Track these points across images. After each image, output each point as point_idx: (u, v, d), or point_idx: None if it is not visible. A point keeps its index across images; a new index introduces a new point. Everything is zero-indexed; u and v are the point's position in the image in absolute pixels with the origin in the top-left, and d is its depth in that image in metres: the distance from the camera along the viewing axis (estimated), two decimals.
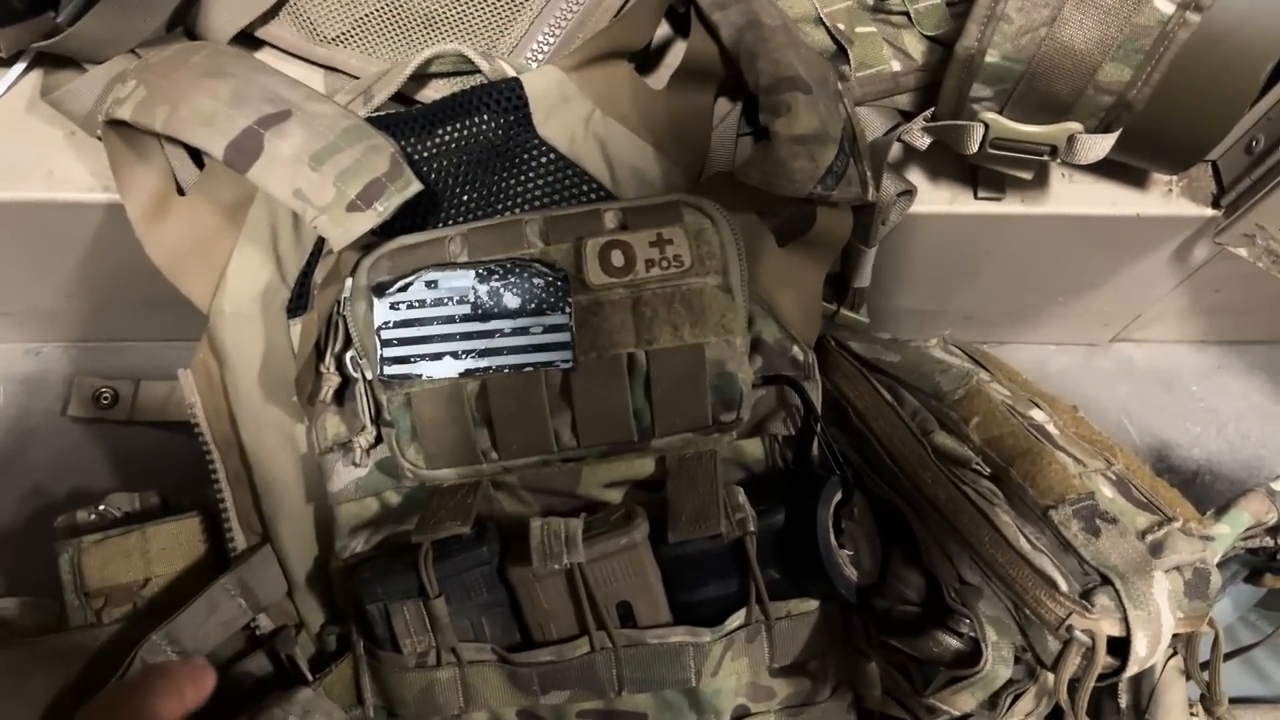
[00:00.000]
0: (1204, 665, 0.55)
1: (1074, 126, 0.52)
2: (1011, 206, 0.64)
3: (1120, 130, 0.52)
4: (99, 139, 0.58)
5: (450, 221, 0.59)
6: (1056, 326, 0.82)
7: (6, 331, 0.75)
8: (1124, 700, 0.57)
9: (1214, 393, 0.85)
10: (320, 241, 0.58)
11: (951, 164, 0.64)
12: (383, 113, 0.60)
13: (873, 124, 0.63)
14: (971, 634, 0.59)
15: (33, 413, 0.76)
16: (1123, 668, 0.48)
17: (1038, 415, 0.57)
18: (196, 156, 0.58)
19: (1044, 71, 0.49)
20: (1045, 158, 0.54)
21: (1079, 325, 0.82)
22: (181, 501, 0.69)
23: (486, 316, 0.54)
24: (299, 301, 0.58)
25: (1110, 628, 0.48)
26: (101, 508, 0.64)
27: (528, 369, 0.54)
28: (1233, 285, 0.75)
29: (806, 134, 0.54)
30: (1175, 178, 0.65)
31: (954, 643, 0.60)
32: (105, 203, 0.59)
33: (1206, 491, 0.82)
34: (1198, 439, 0.84)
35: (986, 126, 0.53)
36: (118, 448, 0.76)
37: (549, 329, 0.54)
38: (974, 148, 0.54)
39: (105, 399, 0.75)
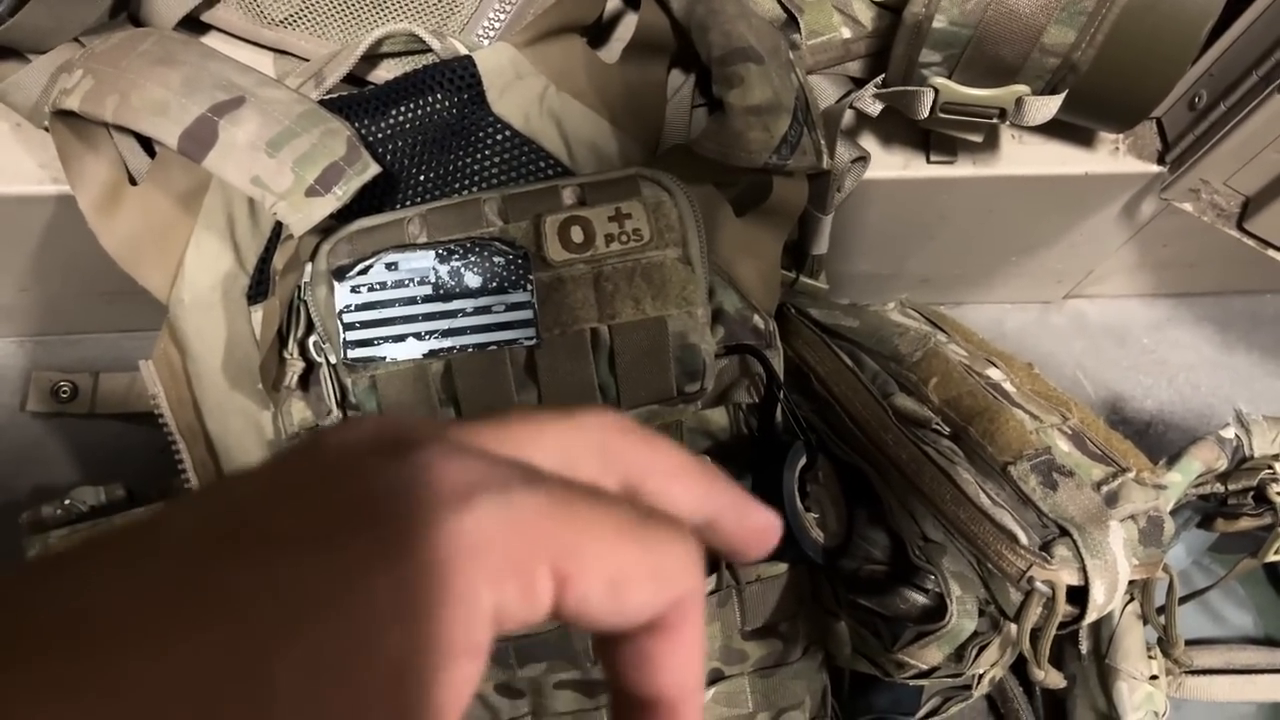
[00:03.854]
0: (1160, 609, 0.57)
1: (1021, 89, 0.53)
2: (964, 169, 0.64)
3: (1067, 91, 0.53)
4: (46, 130, 0.57)
5: (408, 203, 0.59)
6: (1011, 286, 0.83)
7: None
8: (1084, 646, 0.59)
9: (1164, 345, 0.87)
10: (278, 227, 0.58)
11: (903, 129, 0.64)
12: (335, 95, 0.59)
13: (824, 91, 0.63)
14: (937, 590, 0.61)
15: None
16: (1082, 615, 0.50)
17: (994, 374, 0.59)
18: (147, 145, 0.57)
19: (991, 36, 0.50)
20: (995, 120, 0.55)
21: (1033, 284, 0.84)
22: (147, 493, 0.69)
23: (448, 296, 0.54)
24: (259, 288, 0.58)
25: (1069, 577, 0.49)
26: (67, 502, 0.63)
27: (492, 348, 0.54)
28: (1180, 239, 0.77)
29: (760, 105, 0.54)
30: (1121, 136, 0.66)
31: (920, 599, 0.62)
32: (55, 195, 0.58)
33: (1159, 441, 0.84)
34: (1150, 390, 0.86)
35: (936, 91, 0.54)
36: (78, 441, 0.75)
37: (511, 307, 0.54)
38: (925, 113, 0.55)
39: (64, 393, 0.74)
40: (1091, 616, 0.49)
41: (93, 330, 0.77)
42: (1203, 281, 0.86)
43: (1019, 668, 0.65)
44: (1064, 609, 0.49)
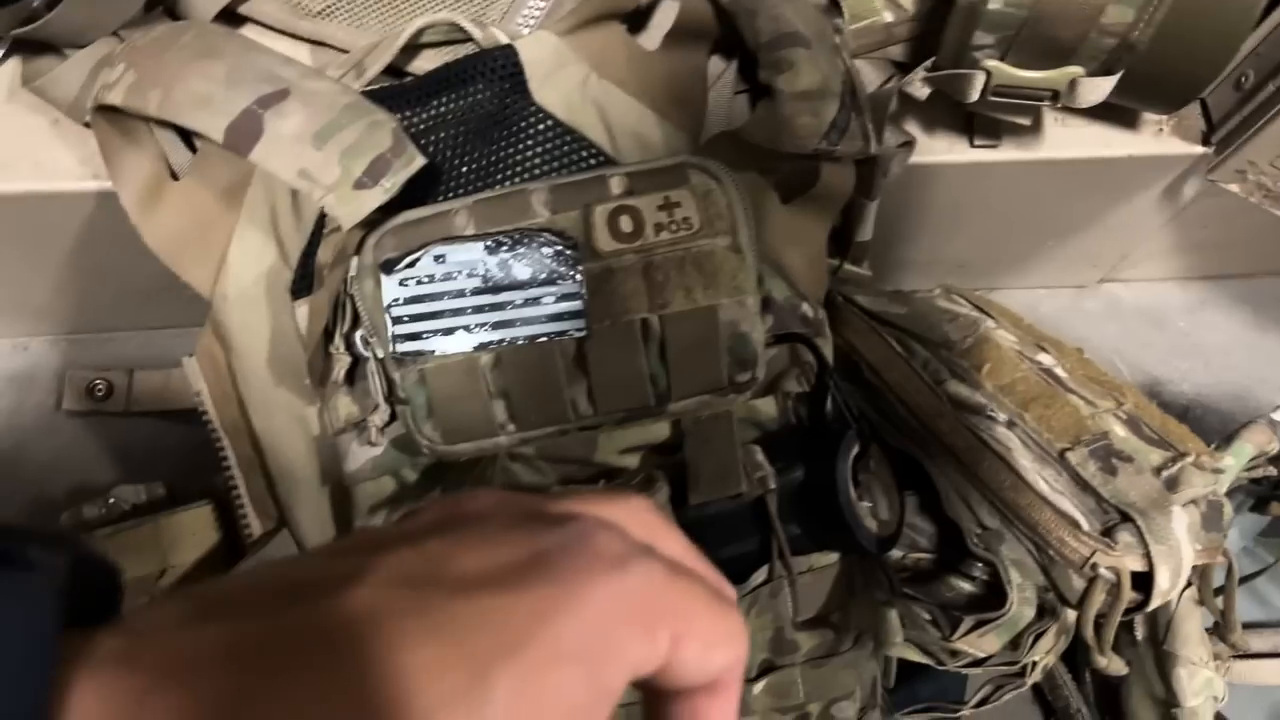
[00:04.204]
0: (1218, 592, 0.57)
1: (1075, 71, 0.52)
2: (1007, 153, 0.64)
3: (1122, 72, 0.52)
4: (86, 126, 0.57)
5: (450, 195, 0.58)
6: (1046, 270, 0.83)
7: None
8: (1140, 633, 0.58)
9: (1201, 328, 0.86)
10: (320, 220, 0.57)
11: (946, 113, 0.64)
12: (377, 86, 0.59)
13: (867, 76, 0.63)
14: (984, 578, 0.61)
15: (25, 409, 0.74)
16: (1146, 601, 0.49)
17: (1045, 359, 0.58)
18: (189, 140, 0.57)
19: (1048, 16, 0.49)
20: (1046, 103, 0.54)
21: (1068, 268, 0.83)
22: (187, 490, 0.69)
23: (497, 289, 0.53)
24: (302, 283, 0.57)
25: (1134, 563, 0.49)
26: (111, 501, 0.63)
27: (541, 340, 0.53)
28: (1218, 221, 0.76)
29: (809, 90, 0.54)
30: (1166, 117, 0.66)
31: (967, 587, 0.61)
32: (96, 191, 0.58)
33: (1198, 425, 0.83)
34: (1187, 374, 0.85)
35: (988, 74, 0.53)
36: (115, 440, 0.75)
37: (561, 298, 0.53)
38: (975, 96, 0.54)
39: (100, 391, 0.73)
40: (1156, 602, 0.49)
41: (125, 328, 0.76)
42: (1238, 264, 0.85)
43: (1068, 656, 0.65)
44: (1128, 595, 0.48)
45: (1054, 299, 0.86)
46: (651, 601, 0.21)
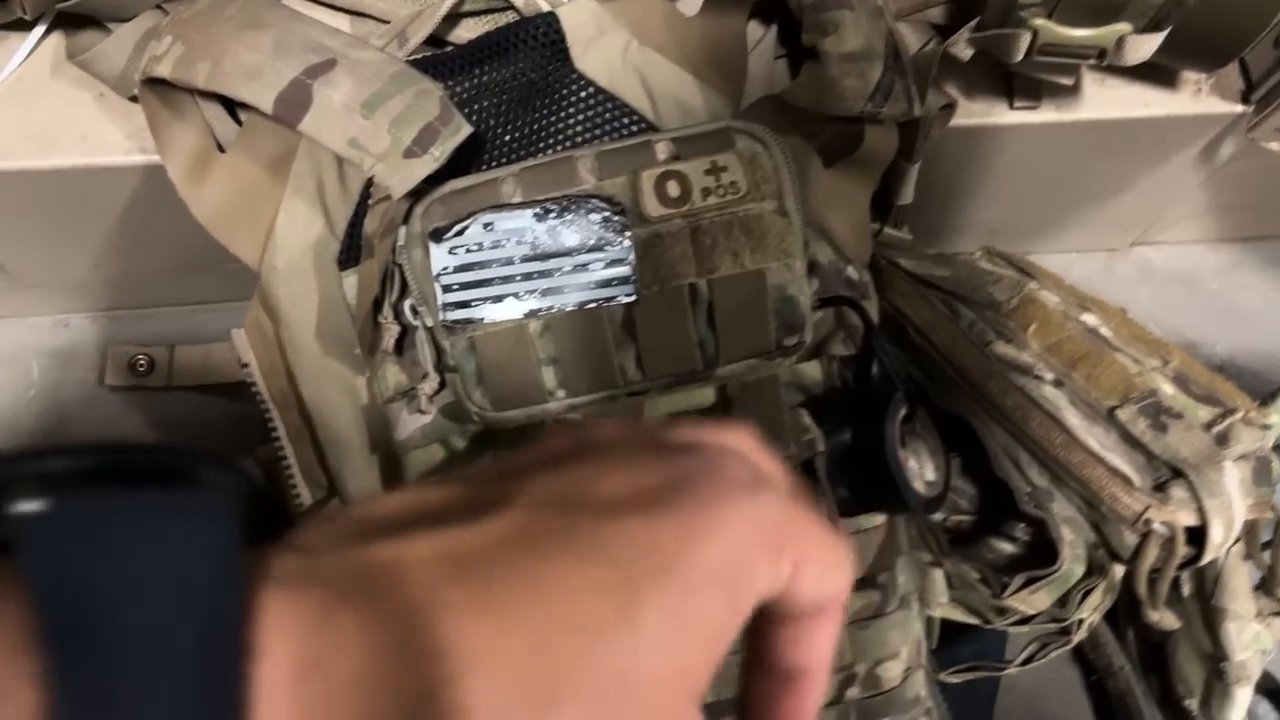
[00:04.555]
0: (1265, 546, 0.57)
1: (1123, 28, 0.52)
2: (1047, 114, 0.64)
3: (1170, 29, 0.52)
4: (131, 100, 0.57)
5: (493, 163, 0.58)
6: (1079, 234, 0.83)
7: (34, 305, 0.74)
8: (1186, 589, 0.59)
9: (1233, 290, 0.86)
10: (365, 191, 0.57)
11: (985, 75, 0.64)
12: (419, 56, 0.59)
13: (908, 39, 0.62)
14: (1025, 538, 0.61)
15: (67, 385, 0.75)
16: (1199, 556, 0.50)
17: (1090, 319, 0.58)
18: (233, 112, 0.57)
19: None
20: (1092, 61, 0.54)
21: (1101, 231, 0.83)
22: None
23: (546, 256, 0.54)
24: (349, 253, 0.58)
25: (1187, 518, 0.49)
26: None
27: (590, 305, 0.54)
28: (1253, 182, 0.76)
29: (854, 51, 0.54)
30: (1204, 75, 0.65)
31: (1008, 548, 0.62)
32: (143, 165, 0.58)
33: None
34: (1219, 337, 0.85)
35: (1034, 33, 0.53)
36: (157, 415, 0.75)
37: (609, 264, 0.54)
38: (1020, 56, 0.54)
39: (141, 366, 0.74)
40: (1209, 556, 0.49)
41: (164, 304, 0.77)
42: (1271, 225, 0.85)
43: (1109, 615, 0.65)
44: (1182, 550, 0.49)
45: (1086, 263, 0.86)
46: (780, 526, 0.22)
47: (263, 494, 0.21)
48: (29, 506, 0.17)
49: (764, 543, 0.21)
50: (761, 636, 0.25)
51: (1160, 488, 0.50)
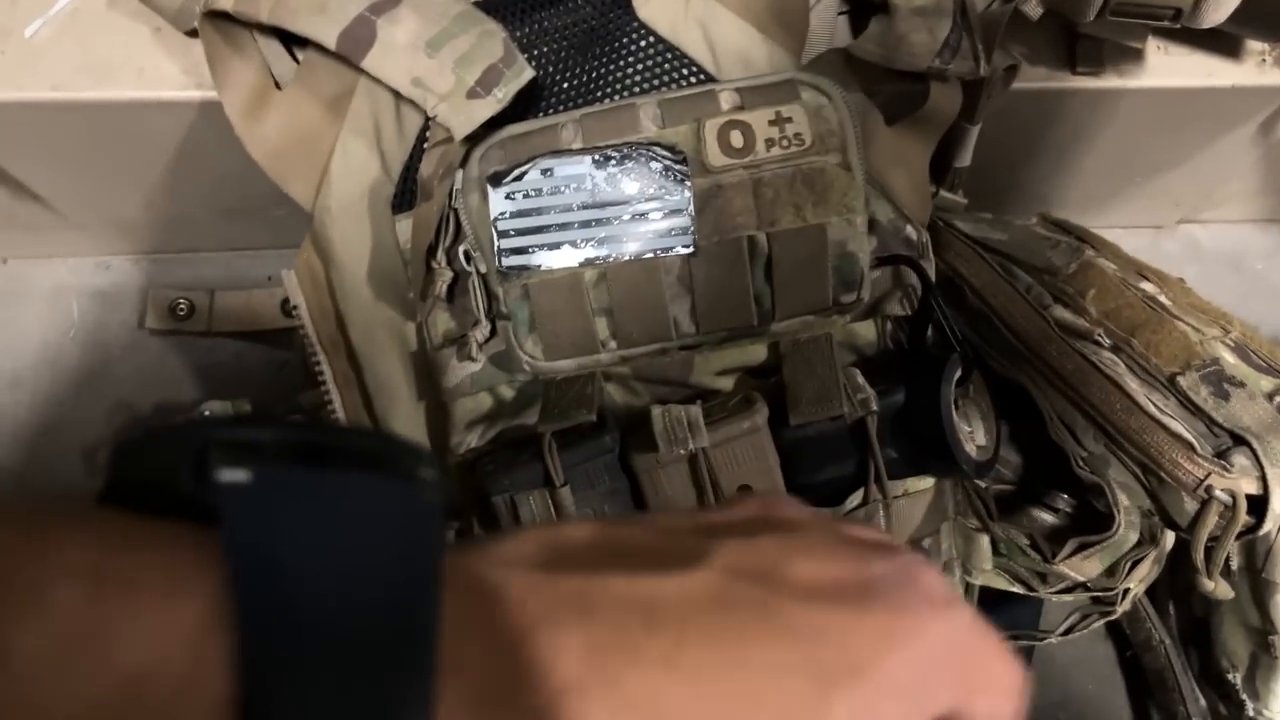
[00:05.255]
0: None
1: None
2: (1110, 81, 0.63)
3: None
4: (189, 34, 0.57)
5: (550, 110, 0.58)
6: (1128, 209, 0.82)
7: (78, 245, 0.74)
8: (1235, 562, 0.58)
9: (1278, 271, 0.85)
10: (422, 133, 0.57)
11: (1047, 38, 0.63)
12: None
13: None
14: (1068, 510, 0.61)
15: (108, 326, 0.75)
16: (1259, 525, 0.49)
17: (1149, 287, 0.57)
18: (291, 51, 0.56)
19: None
20: (1166, 23, 0.53)
21: (1149, 207, 0.82)
22: (273, 409, 0.69)
23: (604, 204, 0.53)
24: (403, 197, 0.57)
25: (1249, 486, 0.48)
26: (206, 414, 0.63)
27: (647, 256, 0.53)
28: None
29: (925, 6, 0.53)
30: (1269, 47, 0.64)
31: (1049, 519, 0.61)
32: (199, 100, 0.57)
33: None
34: (1264, 317, 0.84)
35: None
36: (197, 360, 0.75)
37: (668, 214, 0.53)
38: (1093, 14, 0.53)
39: (182, 310, 0.74)
40: (1269, 526, 0.49)
41: (207, 249, 0.76)
42: None
43: (1149, 589, 0.65)
44: (1243, 518, 0.48)
45: (1132, 238, 0.85)
46: (967, 649, 0.21)
47: (448, 490, 0.20)
48: (233, 476, 0.16)
49: (950, 663, 0.21)
50: None
51: (1221, 455, 0.49)
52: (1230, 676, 0.61)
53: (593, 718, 0.17)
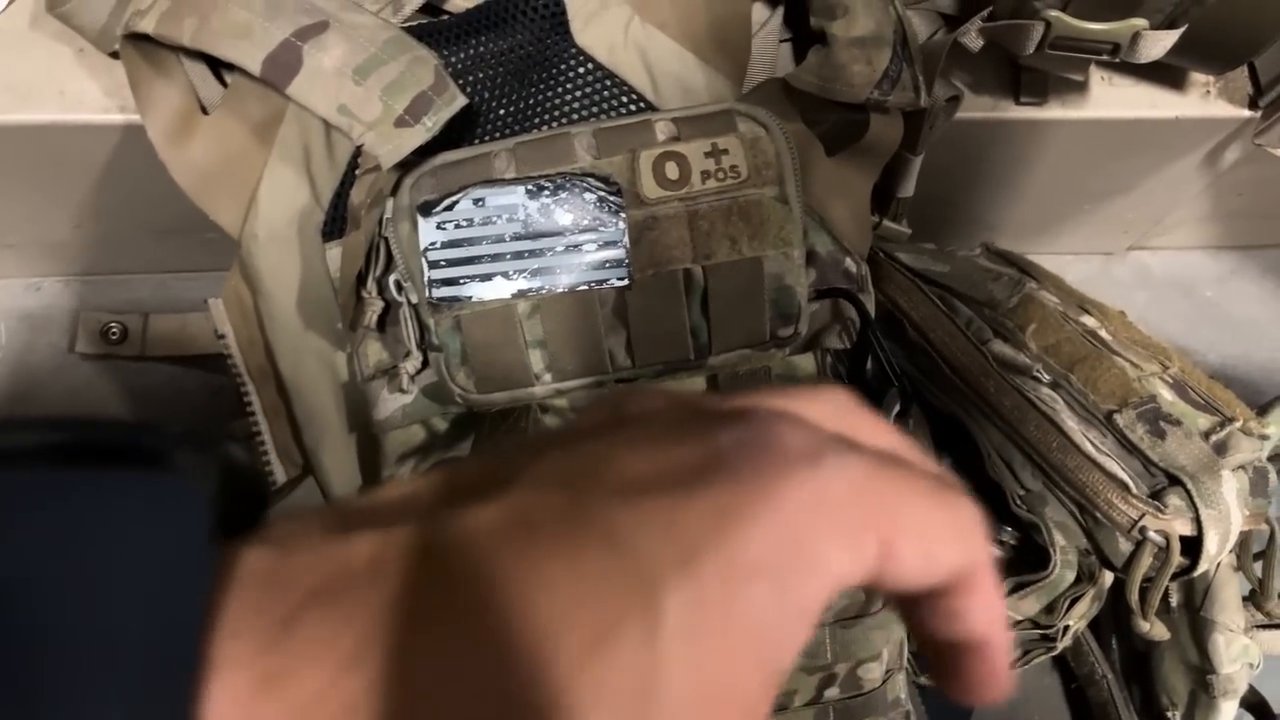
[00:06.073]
0: (1258, 556, 0.56)
1: (1140, 23, 0.50)
2: (1054, 111, 0.62)
3: (1186, 26, 0.51)
4: (112, 56, 0.55)
5: (487, 137, 0.56)
6: (1077, 236, 0.82)
7: (6, 266, 0.72)
8: (1175, 599, 0.58)
9: (1229, 298, 0.85)
10: (354, 160, 0.55)
11: (992, 68, 0.62)
12: (414, 23, 0.57)
13: (916, 27, 0.61)
14: (1012, 543, 0.60)
15: (38, 349, 0.73)
16: (1193, 566, 0.49)
17: (1089, 321, 0.57)
18: (218, 73, 0.55)
19: None
20: (1105, 57, 0.53)
21: (1099, 234, 0.82)
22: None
23: (537, 235, 0.52)
24: (334, 225, 0.56)
25: (1183, 527, 0.48)
26: None
27: (582, 288, 0.52)
28: (1256, 189, 0.75)
29: (864, 36, 0.52)
30: (1213, 79, 0.64)
31: (995, 552, 0.60)
32: (122, 124, 0.56)
33: None
34: (1214, 344, 0.84)
35: (1048, 25, 0.51)
36: (129, 384, 0.73)
37: (603, 246, 0.52)
38: (1032, 48, 0.53)
39: (114, 334, 0.72)
40: (1203, 567, 0.48)
41: (140, 271, 0.74)
42: (1270, 234, 0.84)
43: (1093, 624, 0.64)
44: (1177, 559, 0.48)
45: (1082, 265, 0.85)
46: (851, 501, 0.18)
47: (247, 477, 0.18)
48: None
49: (830, 522, 0.17)
50: (908, 615, 0.21)
51: (1157, 495, 0.49)
52: (1170, 714, 0.60)
53: (377, 695, 0.15)
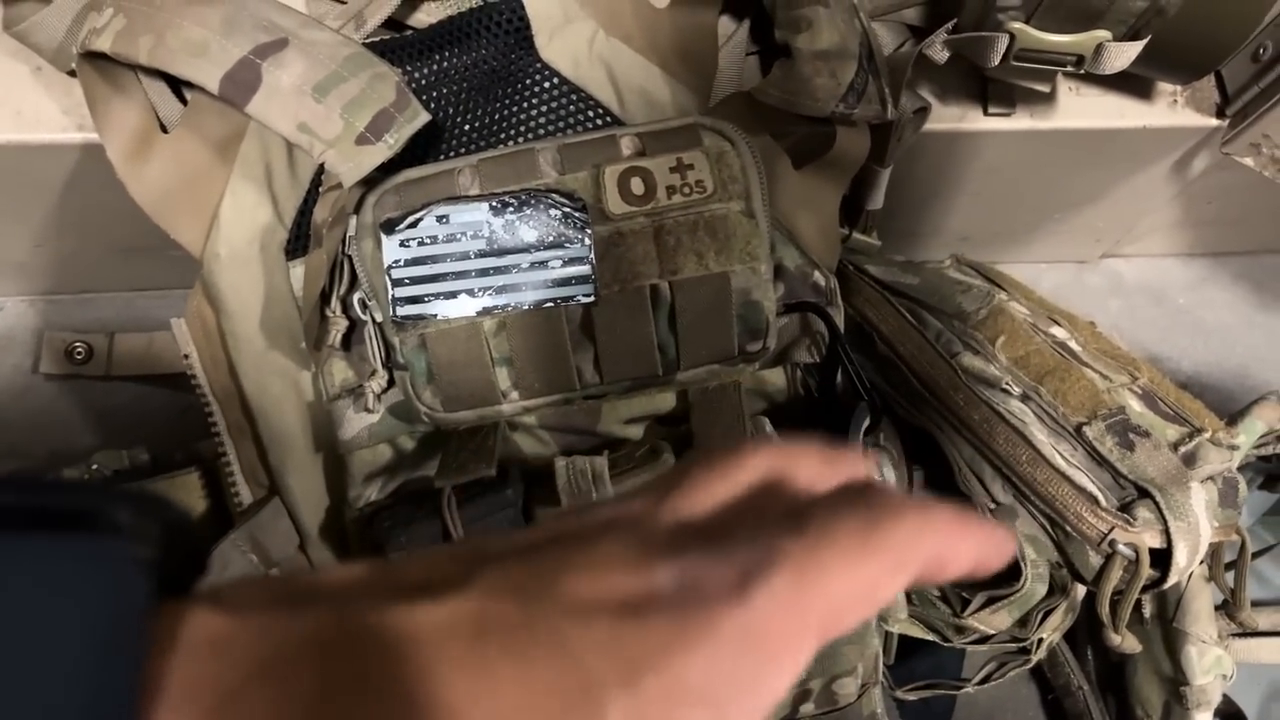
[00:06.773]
0: (1229, 566, 0.56)
1: (1103, 35, 0.50)
2: (1021, 122, 0.62)
3: (1149, 38, 0.51)
4: (70, 74, 0.54)
5: (451, 153, 0.56)
6: (1049, 244, 0.82)
7: None
8: (1148, 610, 0.57)
9: (1201, 305, 0.86)
10: (317, 178, 0.55)
11: (960, 80, 0.62)
12: (377, 39, 0.56)
13: (882, 39, 0.61)
14: None
15: (1, 371, 0.72)
16: (1163, 579, 0.48)
17: (1059, 332, 0.57)
18: (178, 91, 0.54)
19: None
20: (1069, 68, 0.53)
21: (1071, 242, 0.82)
22: (172, 457, 0.66)
23: (502, 251, 0.52)
24: (298, 243, 0.55)
25: (1152, 539, 0.48)
26: (94, 467, 0.60)
27: (548, 305, 0.52)
28: (1226, 197, 0.75)
29: (828, 49, 0.52)
30: (1180, 88, 0.64)
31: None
32: (80, 143, 0.55)
33: None
34: (1186, 351, 0.84)
35: (1012, 37, 0.51)
36: (95, 404, 0.72)
37: (568, 262, 0.52)
38: (996, 60, 0.53)
39: (79, 354, 0.71)
40: (1173, 579, 0.48)
41: (106, 289, 0.74)
42: (1241, 241, 0.84)
43: (1069, 635, 0.64)
44: (1147, 572, 0.48)
45: (1055, 273, 0.85)
46: (782, 622, 0.19)
47: (190, 535, 0.18)
48: None
49: (765, 649, 0.19)
50: None
51: (1126, 508, 0.48)
52: None
53: None
